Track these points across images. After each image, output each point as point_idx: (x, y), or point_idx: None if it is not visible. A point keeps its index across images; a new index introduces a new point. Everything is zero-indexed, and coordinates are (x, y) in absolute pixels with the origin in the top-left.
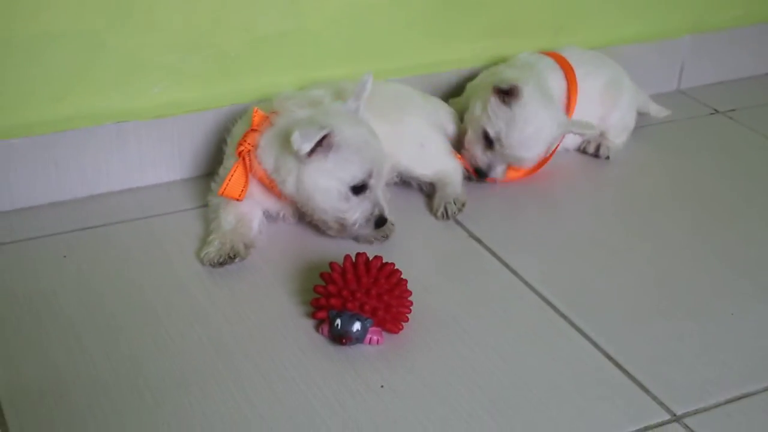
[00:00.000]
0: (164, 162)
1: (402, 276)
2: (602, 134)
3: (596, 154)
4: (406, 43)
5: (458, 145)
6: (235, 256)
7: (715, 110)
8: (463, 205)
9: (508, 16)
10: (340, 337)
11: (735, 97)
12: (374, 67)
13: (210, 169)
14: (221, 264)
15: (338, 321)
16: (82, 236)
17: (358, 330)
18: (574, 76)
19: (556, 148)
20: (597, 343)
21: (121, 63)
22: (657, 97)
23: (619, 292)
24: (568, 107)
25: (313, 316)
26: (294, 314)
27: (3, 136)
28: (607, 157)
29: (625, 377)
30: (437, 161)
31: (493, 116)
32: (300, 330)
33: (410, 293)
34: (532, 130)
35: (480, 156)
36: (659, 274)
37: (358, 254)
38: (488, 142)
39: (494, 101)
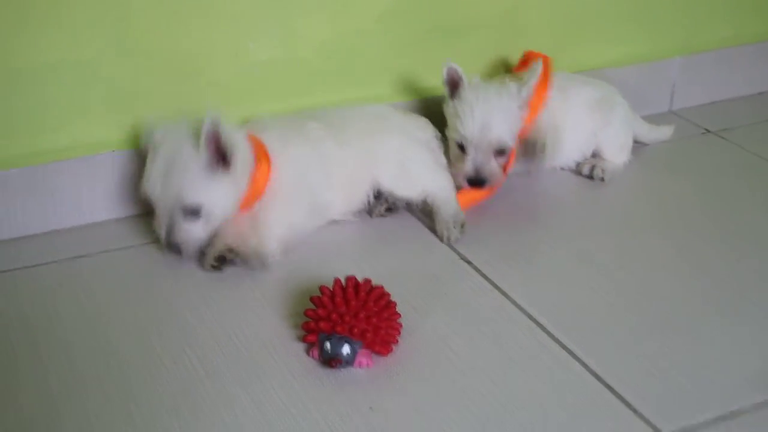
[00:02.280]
0: None
1: (391, 298)
2: (597, 155)
3: (590, 176)
4: (396, 69)
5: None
6: (230, 251)
7: (707, 130)
8: (462, 225)
9: (497, 40)
10: (330, 360)
11: (726, 117)
12: (364, 93)
13: None
14: (219, 261)
15: (328, 344)
16: (79, 264)
17: (347, 353)
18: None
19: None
20: (586, 363)
21: (114, 92)
22: (649, 118)
23: (608, 312)
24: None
25: (303, 339)
26: (285, 337)
27: (0, 166)
28: (602, 179)
29: (613, 396)
30: (421, 180)
31: (450, 120)
32: (290, 353)
33: (399, 315)
34: (483, 105)
35: (463, 166)
36: (649, 293)
37: (347, 278)
38: (462, 148)
39: (447, 103)
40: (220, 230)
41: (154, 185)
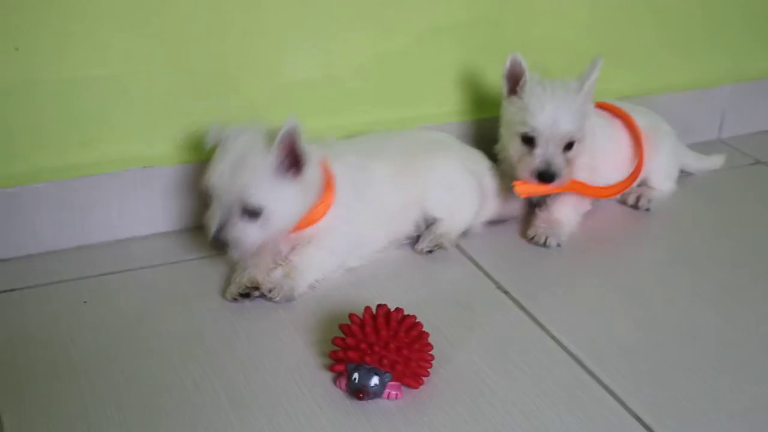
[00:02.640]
0: (189, 208)
1: (423, 329)
2: (643, 183)
3: (636, 206)
4: (437, 89)
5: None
6: (255, 287)
7: (758, 160)
8: (437, 246)
9: (541, 61)
10: (357, 392)
11: None
12: (403, 114)
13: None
14: (243, 296)
15: (356, 375)
16: (104, 281)
17: (376, 384)
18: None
19: (637, 170)
20: (626, 403)
21: (146, 108)
22: (697, 147)
23: (651, 349)
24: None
25: (330, 368)
26: (312, 366)
27: (29, 180)
28: (647, 209)
29: None
30: (456, 205)
31: (515, 115)
32: (317, 382)
33: (431, 347)
34: (552, 98)
35: (532, 160)
36: (695, 330)
37: (378, 306)
38: (529, 142)
39: (507, 100)
40: (250, 262)
41: (219, 177)
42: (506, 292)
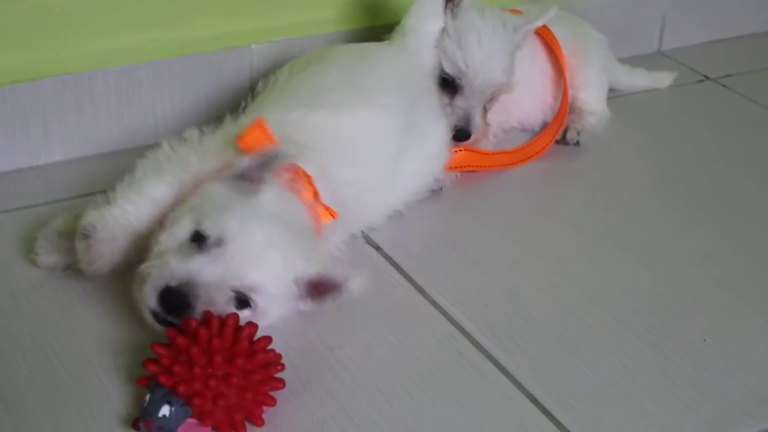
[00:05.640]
0: None
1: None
2: (572, 111)
3: (564, 140)
4: None
5: None
6: None
7: (705, 77)
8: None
9: None
10: (135, 420)
11: (730, 60)
12: (255, 25)
13: (31, 159)
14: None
15: (148, 397)
16: None
17: (165, 416)
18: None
19: (562, 112)
20: (522, 383)
21: None
22: (633, 62)
23: (559, 318)
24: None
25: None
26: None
27: None
28: (577, 143)
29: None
30: None
31: (444, 44)
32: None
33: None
34: (492, 35)
35: (452, 109)
36: (615, 292)
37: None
38: (448, 86)
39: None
40: None
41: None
42: (377, 248)
